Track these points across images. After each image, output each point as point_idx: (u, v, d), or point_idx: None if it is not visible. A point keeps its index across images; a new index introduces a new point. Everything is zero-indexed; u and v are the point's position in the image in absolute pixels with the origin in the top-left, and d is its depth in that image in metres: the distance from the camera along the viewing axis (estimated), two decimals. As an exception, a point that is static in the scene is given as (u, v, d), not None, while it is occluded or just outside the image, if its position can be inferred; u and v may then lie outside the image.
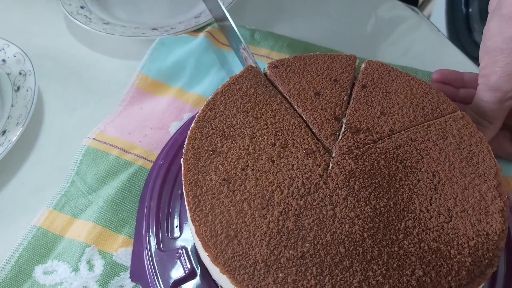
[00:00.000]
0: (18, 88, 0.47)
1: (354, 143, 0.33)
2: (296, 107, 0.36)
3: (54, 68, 0.52)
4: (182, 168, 0.31)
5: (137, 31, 0.53)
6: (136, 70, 0.49)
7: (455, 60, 0.53)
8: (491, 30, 0.38)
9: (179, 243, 0.35)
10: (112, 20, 0.56)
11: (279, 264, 0.27)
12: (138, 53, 0.52)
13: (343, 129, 0.34)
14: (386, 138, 0.34)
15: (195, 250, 0.33)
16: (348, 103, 0.36)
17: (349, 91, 0.37)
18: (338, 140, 0.33)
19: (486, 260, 0.28)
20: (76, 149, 0.42)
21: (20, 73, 0.48)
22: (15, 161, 0.43)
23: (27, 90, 0.46)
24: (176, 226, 0.36)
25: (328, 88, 0.37)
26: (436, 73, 0.46)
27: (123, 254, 0.36)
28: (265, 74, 0.39)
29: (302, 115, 0.35)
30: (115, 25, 0.55)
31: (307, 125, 0.34)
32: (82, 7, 0.57)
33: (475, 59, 0.51)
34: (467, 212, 0.30)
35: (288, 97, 0.36)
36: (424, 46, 0.55)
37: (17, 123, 0.44)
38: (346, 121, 0.34)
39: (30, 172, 0.43)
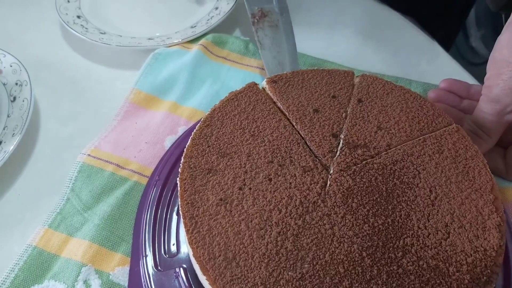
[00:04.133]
0: (14, 98, 0.47)
1: (352, 159, 0.33)
2: (294, 123, 0.35)
3: (50, 78, 0.52)
4: (178, 188, 0.31)
5: (133, 41, 0.53)
6: (132, 81, 0.49)
7: (450, 70, 0.53)
8: (501, 42, 0.37)
9: (176, 261, 0.34)
10: (109, 29, 0.56)
11: (278, 286, 0.26)
12: (135, 63, 0.52)
13: (340, 145, 0.34)
14: (383, 153, 0.33)
15: (192, 269, 0.33)
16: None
17: (347, 108, 0.37)
18: (336, 157, 0.33)
19: (485, 277, 0.28)
20: (72, 160, 0.42)
21: (16, 83, 0.48)
22: (11, 172, 0.43)
23: (23, 101, 0.46)
24: (173, 244, 0.36)
25: (327, 104, 0.37)
26: (443, 82, 0.46)
27: (120, 273, 0.36)
28: (263, 88, 0.39)
29: (300, 132, 0.35)
30: (112, 35, 0.54)
31: (305, 142, 0.34)
32: (78, 17, 0.57)
33: (472, 64, 0.51)
34: (464, 228, 0.30)
35: (287, 113, 0.36)
36: (419, 57, 0.55)
37: (13, 134, 0.43)
38: (344, 137, 0.34)
39: (26, 183, 0.42)
